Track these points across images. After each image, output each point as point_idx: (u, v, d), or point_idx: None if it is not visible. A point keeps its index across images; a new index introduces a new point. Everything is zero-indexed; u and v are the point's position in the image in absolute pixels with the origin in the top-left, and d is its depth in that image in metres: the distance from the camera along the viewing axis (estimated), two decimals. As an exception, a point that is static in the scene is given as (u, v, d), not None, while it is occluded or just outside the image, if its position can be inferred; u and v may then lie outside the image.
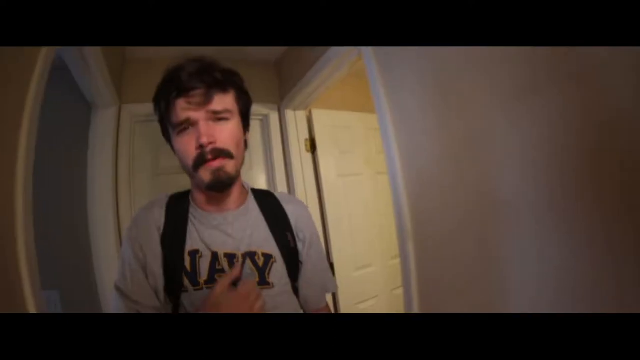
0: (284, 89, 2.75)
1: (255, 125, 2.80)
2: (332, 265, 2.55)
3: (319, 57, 2.11)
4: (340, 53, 1.91)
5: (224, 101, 1.03)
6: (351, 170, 2.79)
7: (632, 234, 0.77)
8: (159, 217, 1.09)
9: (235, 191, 1.15)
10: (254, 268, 1.08)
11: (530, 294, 0.99)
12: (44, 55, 1.09)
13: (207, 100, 0.99)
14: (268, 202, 1.23)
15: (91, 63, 1.67)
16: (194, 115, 0.98)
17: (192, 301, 1.02)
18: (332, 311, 1.31)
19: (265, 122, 2.81)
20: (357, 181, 2.80)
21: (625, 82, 0.81)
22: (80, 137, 2.10)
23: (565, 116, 0.89)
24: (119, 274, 1.06)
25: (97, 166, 2.10)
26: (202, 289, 1.03)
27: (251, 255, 1.09)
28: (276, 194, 1.28)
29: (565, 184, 0.89)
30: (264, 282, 1.09)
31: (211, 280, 1.03)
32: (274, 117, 2.77)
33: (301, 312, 1.23)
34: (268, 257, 1.11)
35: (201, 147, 0.98)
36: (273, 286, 1.10)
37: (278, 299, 1.10)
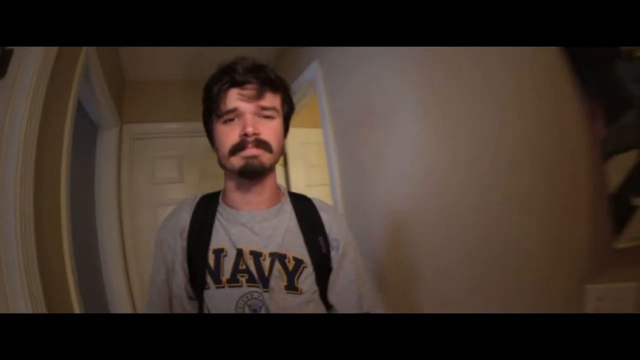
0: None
1: None
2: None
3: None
4: (303, 84, 2.41)
5: (273, 100, 1.05)
6: (317, 181, 3.28)
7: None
8: (186, 216, 1.11)
9: (267, 189, 1.11)
10: (283, 271, 1.06)
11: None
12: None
13: (259, 95, 1.01)
14: (303, 207, 1.19)
15: (95, 86, 2.09)
16: (243, 106, 1.00)
17: (214, 299, 1.03)
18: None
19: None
20: (324, 191, 3.25)
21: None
22: (87, 154, 2.53)
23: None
24: (153, 272, 1.11)
25: (102, 179, 2.56)
26: (224, 287, 1.03)
27: (281, 257, 1.06)
28: (313, 200, 1.23)
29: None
30: (292, 287, 1.06)
31: (234, 279, 1.03)
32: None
33: None
34: (299, 262, 1.08)
35: (245, 135, 0.97)
36: (302, 292, 1.07)
37: (305, 307, 1.08)
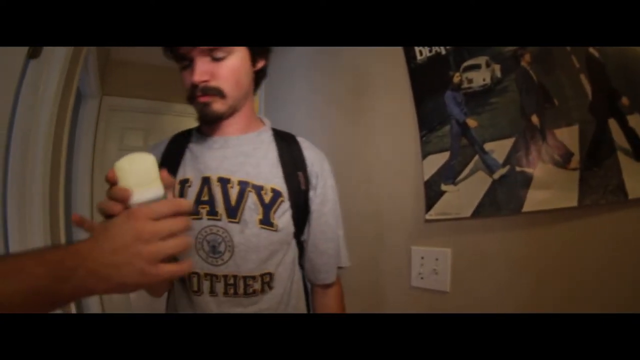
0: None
1: (194, 122, 3.74)
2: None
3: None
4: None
5: None
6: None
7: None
8: (158, 152, 1.09)
9: (242, 119, 1.07)
10: (258, 203, 1.00)
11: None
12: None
13: None
14: (286, 141, 1.14)
15: (89, 61, 2.51)
16: (191, 52, 0.96)
17: None
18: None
19: None
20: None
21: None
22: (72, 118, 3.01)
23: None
24: None
25: (82, 142, 3.10)
26: None
27: (257, 188, 1.01)
28: (298, 138, 1.17)
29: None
30: (267, 222, 1.00)
31: (195, 211, 0.98)
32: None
33: (299, 280, 1.14)
34: (277, 194, 1.03)
35: (192, 84, 0.96)
36: (277, 230, 1.01)
37: (278, 247, 1.03)
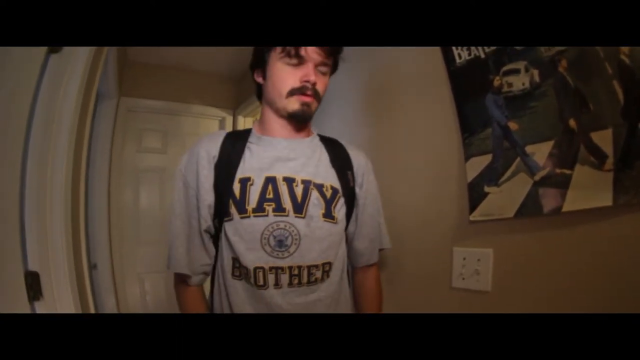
0: (240, 99, 3.86)
1: (214, 124, 3.99)
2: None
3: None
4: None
5: (329, 59, 1.15)
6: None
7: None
8: (215, 146, 1.16)
9: (306, 126, 1.24)
10: (321, 199, 1.14)
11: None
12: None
13: (329, 52, 1.13)
14: (332, 144, 1.29)
15: (109, 61, 2.55)
16: (309, 56, 1.09)
17: (237, 229, 1.09)
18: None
19: (222, 122, 3.97)
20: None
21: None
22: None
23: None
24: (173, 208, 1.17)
25: (99, 143, 3.18)
26: (249, 217, 1.08)
27: (319, 186, 1.14)
28: (342, 141, 1.33)
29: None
30: (329, 215, 1.15)
31: (260, 208, 1.08)
32: (229, 120, 3.97)
33: (347, 269, 1.29)
34: (335, 191, 1.18)
35: (307, 81, 1.09)
36: (337, 221, 1.17)
37: (336, 237, 1.18)
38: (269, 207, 1.08)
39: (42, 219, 1.25)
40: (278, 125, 1.18)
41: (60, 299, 1.24)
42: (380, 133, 1.77)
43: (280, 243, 1.09)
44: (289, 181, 1.11)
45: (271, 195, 1.09)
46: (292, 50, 1.08)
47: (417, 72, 1.58)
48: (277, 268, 1.10)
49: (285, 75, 1.11)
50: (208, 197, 1.12)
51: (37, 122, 1.26)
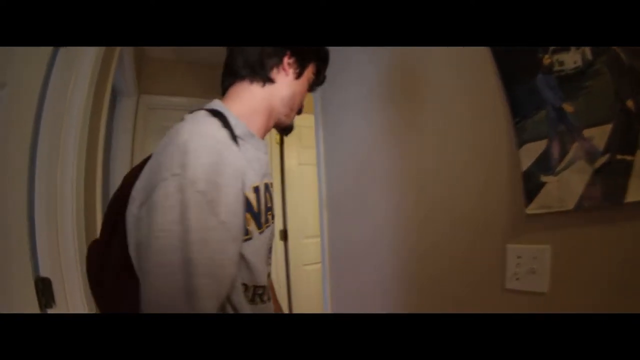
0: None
1: None
2: (286, 232, 3.73)
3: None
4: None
5: None
6: (309, 161, 3.86)
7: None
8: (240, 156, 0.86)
9: None
10: (270, 200, 1.03)
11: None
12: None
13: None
14: None
15: (125, 58, 2.59)
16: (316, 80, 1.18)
17: (256, 249, 0.91)
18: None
19: None
20: (313, 169, 3.82)
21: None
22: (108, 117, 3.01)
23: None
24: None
25: (119, 143, 3.17)
26: (263, 231, 0.93)
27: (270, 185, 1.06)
28: None
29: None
30: (273, 215, 1.06)
31: (266, 219, 0.95)
32: (252, 116, 3.86)
33: None
34: None
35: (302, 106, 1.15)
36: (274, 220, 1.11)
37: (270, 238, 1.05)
38: (270, 216, 0.99)
39: (53, 222, 1.23)
40: (264, 129, 1.06)
41: (73, 306, 1.22)
42: (414, 122, 1.66)
43: (270, 250, 1.04)
44: (268, 186, 1.02)
45: (270, 204, 1.00)
46: (318, 75, 1.14)
47: (456, 52, 1.47)
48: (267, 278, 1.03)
49: (301, 97, 1.11)
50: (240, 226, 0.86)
51: (45, 123, 1.23)
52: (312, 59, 1.11)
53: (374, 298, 1.83)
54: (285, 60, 1.04)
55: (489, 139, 1.35)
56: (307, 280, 3.78)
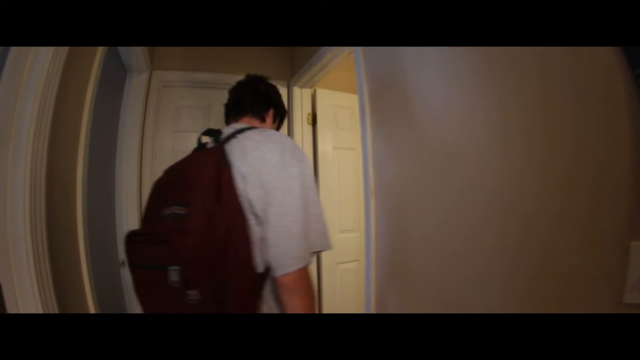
0: (294, 69, 3.41)
1: None
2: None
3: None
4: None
5: None
6: (345, 145, 3.46)
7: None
8: None
9: None
10: None
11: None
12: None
13: None
14: None
15: None
16: None
17: None
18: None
19: None
20: (350, 155, 3.47)
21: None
22: (114, 97, 2.74)
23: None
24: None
25: (127, 123, 2.81)
26: None
27: None
28: None
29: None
30: None
31: None
32: (282, 93, 3.42)
33: None
34: None
35: None
36: None
37: None
38: None
39: (1, 220, 1.18)
40: None
41: (26, 311, 1.18)
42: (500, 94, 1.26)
43: None
44: None
45: None
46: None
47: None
48: None
49: None
50: None
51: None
52: (281, 116, 1.72)
53: (441, 303, 1.48)
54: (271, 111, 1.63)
55: (598, 103, 0.95)
56: (341, 281, 3.34)
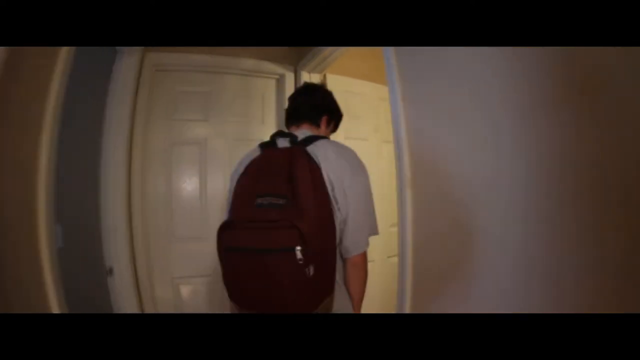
0: (302, 52, 3.14)
1: (270, 83, 3.25)
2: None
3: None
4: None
5: None
6: (358, 135, 3.18)
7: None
8: None
9: None
10: None
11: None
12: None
13: None
14: None
15: None
16: None
17: None
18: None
19: (281, 81, 3.22)
20: (363, 146, 3.17)
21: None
22: (102, 80, 2.49)
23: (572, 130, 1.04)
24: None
25: (115, 110, 2.51)
26: None
27: None
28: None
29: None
30: None
31: None
32: (289, 77, 3.19)
33: None
34: None
35: None
36: None
37: None
38: None
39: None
40: None
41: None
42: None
43: None
44: None
45: None
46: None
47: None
48: None
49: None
50: None
51: None
52: (335, 120, 1.97)
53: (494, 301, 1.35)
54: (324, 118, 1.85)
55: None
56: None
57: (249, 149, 1.68)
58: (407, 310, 1.75)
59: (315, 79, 3.14)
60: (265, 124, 3.19)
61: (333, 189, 1.41)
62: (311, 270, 1.21)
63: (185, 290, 2.83)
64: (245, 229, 1.31)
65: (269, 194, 1.31)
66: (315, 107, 1.80)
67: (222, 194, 2.90)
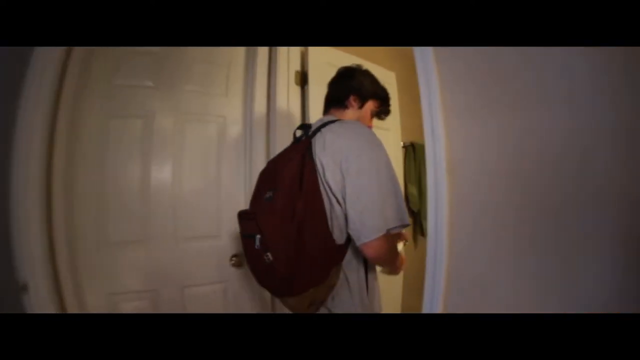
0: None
1: (239, 51, 2.73)
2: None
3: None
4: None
5: None
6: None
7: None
8: None
9: None
10: None
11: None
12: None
13: None
14: None
15: None
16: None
17: None
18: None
19: (251, 49, 2.71)
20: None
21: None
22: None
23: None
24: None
25: (30, 113, 1.79)
26: None
27: None
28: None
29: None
30: None
31: None
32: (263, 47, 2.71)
33: None
34: None
35: None
36: None
37: None
38: None
39: None
40: None
41: None
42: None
43: None
44: None
45: None
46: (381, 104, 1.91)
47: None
48: None
49: (367, 118, 1.87)
50: None
51: None
52: (371, 97, 1.83)
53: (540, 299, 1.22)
54: (351, 97, 1.79)
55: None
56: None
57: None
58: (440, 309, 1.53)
59: (294, 52, 2.74)
60: (229, 97, 2.65)
61: (327, 177, 1.44)
62: (269, 257, 1.32)
63: (125, 310, 2.20)
64: (242, 218, 1.54)
65: (270, 188, 1.48)
66: (340, 89, 1.80)
67: (169, 187, 2.38)
